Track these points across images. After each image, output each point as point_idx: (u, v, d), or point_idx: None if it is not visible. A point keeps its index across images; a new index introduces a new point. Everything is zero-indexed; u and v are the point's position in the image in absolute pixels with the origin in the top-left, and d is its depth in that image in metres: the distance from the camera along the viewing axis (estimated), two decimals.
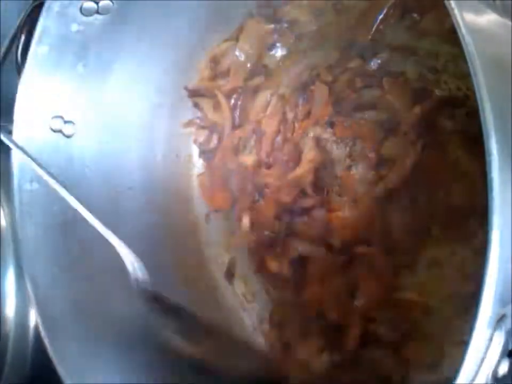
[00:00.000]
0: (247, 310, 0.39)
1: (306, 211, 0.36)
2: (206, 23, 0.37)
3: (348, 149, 0.36)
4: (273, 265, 0.37)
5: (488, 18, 0.24)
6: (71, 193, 0.33)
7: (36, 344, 0.36)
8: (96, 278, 0.33)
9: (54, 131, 0.33)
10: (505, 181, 0.20)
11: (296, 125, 0.37)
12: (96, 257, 0.34)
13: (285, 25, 0.37)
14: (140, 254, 0.36)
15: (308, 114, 0.37)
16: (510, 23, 0.25)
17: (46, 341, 0.30)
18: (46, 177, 0.29)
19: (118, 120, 0.36)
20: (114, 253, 0.34)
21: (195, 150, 0.41)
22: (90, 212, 0.33)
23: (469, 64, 0.20)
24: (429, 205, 0.33)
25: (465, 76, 0.31)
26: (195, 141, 0.40)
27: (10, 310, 0.36)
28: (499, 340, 0.20)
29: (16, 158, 0.32)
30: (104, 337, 0.32)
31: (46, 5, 0.30)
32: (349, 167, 0.36)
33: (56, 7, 0.30)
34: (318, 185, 0.36)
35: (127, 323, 0.33)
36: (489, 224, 0.19)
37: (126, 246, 0.30)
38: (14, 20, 0.34)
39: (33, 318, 0.36)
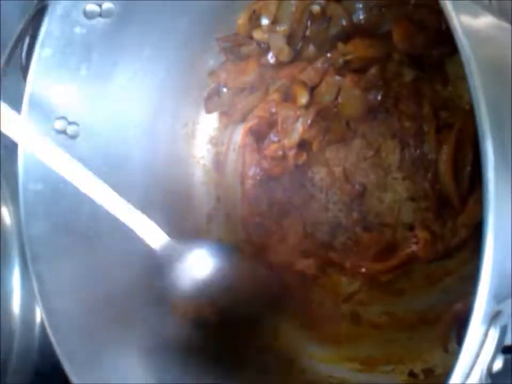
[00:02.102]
0: None
1: None
2: (208, 26, 0.38)
3: None
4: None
5: (485, 20, 0.24)
6: (75, 193, 0.33)
7: (42, 341, 0.36)
8: (101, 275, 0.34)
9: (58, 132, 0.33)
10: (501, 181, 0.20)
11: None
12: (101, 255, 0.34)
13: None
14: (142, 251, 0.36)
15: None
16: (506, 25, 0.25)
17: (52, 339, 0.30)
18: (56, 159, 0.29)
19: (120, 121, 0.37)
20: (119, 250, 0.35)
21: (196, 150, 0.42)
22: (94, 210, 0.34)
23: (465, 65, 0.20)
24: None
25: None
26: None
27: (16, 308, 0.37)
28: (493, 336, 0.20)
29: (22, 158, 0.32)
30: (111, 335, 0.32)
31: (50, 8, 0.30)
32: None
33: (59, 10, 0.30)
34: None
35: (134, 320, 0.34)
36: (485, 223, 0.20)
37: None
38: (17, 22, 0.35)
39: (39, 315, 0.36)
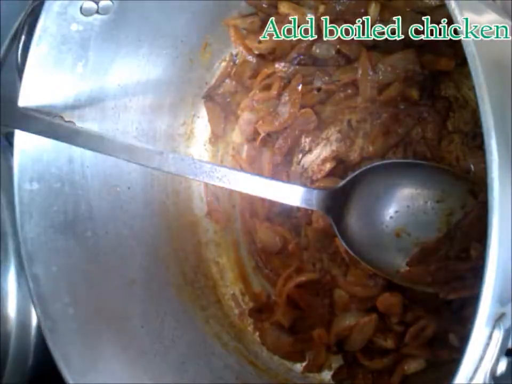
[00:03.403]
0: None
1: None
2: (205, 23, 0.37)
3: None
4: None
5: (489, 18, 0.24)
6: (72, 192, 0.33)
7: (38, 343, 0.36)
8: (97, 277, 0.33)
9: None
10: (505, 181, 0.20)
11: None
12: (96, 256, 0.34)
13: None
14: (141, 252, 0.36)
15: None
16: (509, 22, 0.25)
17: (48, 340, 0.30)
18: None
19: (117, 119, 0.36)
20: (116, 251, 0.35)
21: (195, 149, 0.41)
22: (91, 210, 0.34)
23: (469, 63, 0.20)
24: None
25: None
26: None
27: (11, 310, 0.36)
28: (498, 338, 0.20)
29: (17, 157, 0.32)
30: (106, 336, 0.32)
31: (46, 4, 0.30)
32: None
33: (56, 7, 0.30)
34: None
35: (128, 322, 0.33)
36: (489, 223, 0.19)
37: None
38: (14, 19, 0.34)
39: (34, 317, 0.36)
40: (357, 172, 0.32)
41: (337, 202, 0.31)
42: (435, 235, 0.31)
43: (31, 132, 0.30)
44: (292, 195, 0.30)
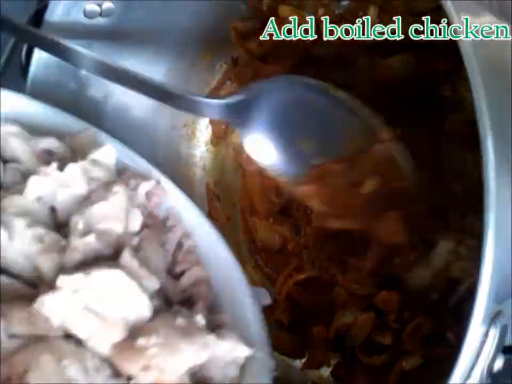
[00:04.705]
0: None
1: None
2: (206, 25, 0.38)
3: None
4: None
5: (485, 20, 0.24)
6: None
7: None
8: None
9: None
10: (501, 181, 0.20)
11: None
12: None
13: None
14: None
15: None
16: (507, 24, 0.25)
17: None
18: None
19: (119, 122, 0.37)
20: None
21: (197, 150, 0.42)
22: None
23: (466, 65, 0.20)
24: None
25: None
26: None
27: None
28: (494, 336, 0.20)
29: None
30: None
31: (50, 7, 0.30)
32: None
33: (59, 9, 0.31)
34: None
35: None
36: (485, 223, 0.20)
37: None
38: (17, 20, 0.35)
39: None
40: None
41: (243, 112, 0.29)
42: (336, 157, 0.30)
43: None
44: (192, 104, 0.28)
